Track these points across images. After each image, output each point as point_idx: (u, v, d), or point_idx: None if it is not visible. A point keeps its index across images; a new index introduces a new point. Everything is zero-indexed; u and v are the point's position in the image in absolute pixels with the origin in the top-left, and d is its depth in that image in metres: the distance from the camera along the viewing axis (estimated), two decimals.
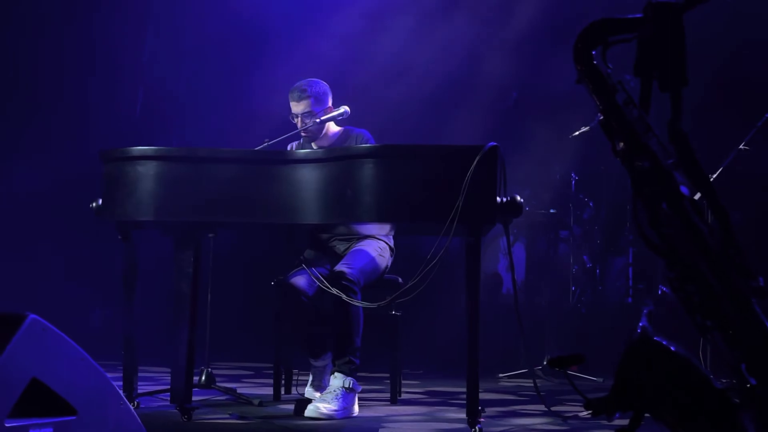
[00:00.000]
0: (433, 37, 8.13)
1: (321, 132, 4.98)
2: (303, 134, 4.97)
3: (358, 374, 4.59)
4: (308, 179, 4.05)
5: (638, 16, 1.73)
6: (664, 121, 1.79)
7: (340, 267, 4.61)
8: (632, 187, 1.67)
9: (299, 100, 4.93)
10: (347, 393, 4.47)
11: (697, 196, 1.76)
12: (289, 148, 5.10)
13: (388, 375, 5.12)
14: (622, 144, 1.68)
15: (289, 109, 4.98)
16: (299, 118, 4.93)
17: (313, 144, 5.04)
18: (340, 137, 5.05)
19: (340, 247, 4.96)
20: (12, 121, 8.09)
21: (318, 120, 4.90)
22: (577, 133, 6.53)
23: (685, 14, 1.69)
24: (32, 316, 2.61)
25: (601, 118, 1.74)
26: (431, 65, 8.16)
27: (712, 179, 5.31)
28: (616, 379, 1.66)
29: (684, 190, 1.68)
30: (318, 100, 4.93)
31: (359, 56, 8.00)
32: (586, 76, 1.74)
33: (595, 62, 1.75)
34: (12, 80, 8.07)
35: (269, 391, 5.09)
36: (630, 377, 1.64)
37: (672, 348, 1.68)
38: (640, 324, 1.64)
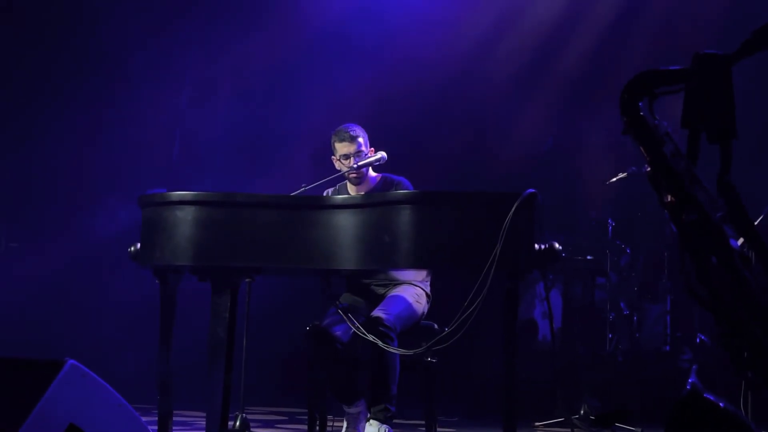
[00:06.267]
0: (470, 81, 8.15)
1: (365, 175, 5.00)
2: (353, 176, 4.96)
3: (393, 421, 4.54)
4: (345, 225, 4.03)
5: (685, 67, 1.71)
6: (711, 170, 1.76)
7: (377, 313, 4.58)
8: (680, 241, 1.64)
9: (351, 140, 4.95)
10: None
11: (740, 241, 1.73)
12: (324, 193, 5.10)
13: (423, 422, 5.07)
14: (669, 197, 1.66)
15: (331, 152, 5.01)
16: (350, 159, 4.94)
17: (350, 189, 5.04)
18: (379, 183, 5.05)
19: (377, 292, 4.93)
20: (49, 166, 8.19)
21: (357, 164, 4.91)
22: (614, 179, 6.49)
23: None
24: (71, 361, 2.61)
25: (648, 169, 1.72)
26: (468, 110, 8.17)
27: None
28: None
29: (734, 243, 1.65)
30: (365, 141, 4.99)
31: (394, 100, 8.04)
32: (632, 127, 1.71)
33: (641, 113, 1.73)
34: (51, 128, 8.18)
35: None
36: None
37: (721, 404, 1.64)
38: (690, 380, 1.60)
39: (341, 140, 4.98)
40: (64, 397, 2.55)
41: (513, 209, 3.81)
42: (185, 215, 4.12)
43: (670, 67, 1.72)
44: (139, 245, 4.34)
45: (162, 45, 8.47)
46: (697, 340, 6.99)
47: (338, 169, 5.00)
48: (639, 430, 6.04)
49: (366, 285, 4.98)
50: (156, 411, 4.45)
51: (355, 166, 4.92)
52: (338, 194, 5.01)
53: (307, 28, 8.29)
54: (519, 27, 8.15)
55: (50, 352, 5.26)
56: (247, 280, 4.74)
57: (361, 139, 4.98)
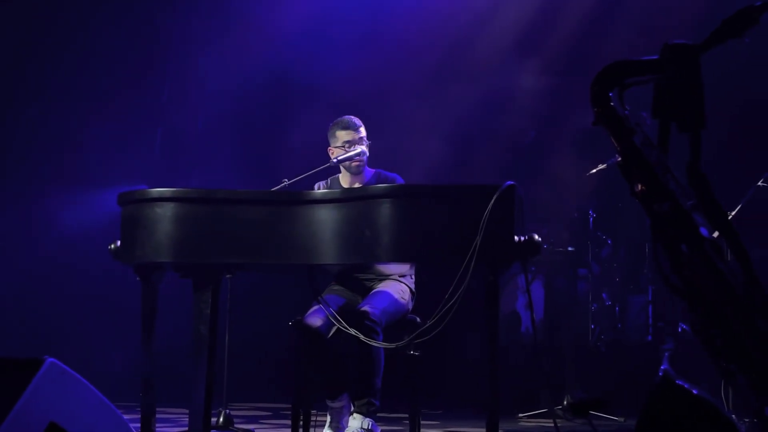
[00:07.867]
0: (455, 74, 8.16)
1: (364, 165, 5.00)
2: (356, 163, 4.95)
3: (377, 415, 4.55)
4: (326, 219, 4.03)
5: (655, 57, 1.72)
6: (682, 160, 1.77)
7: (363, 307, 4.59)
8: (651, 230, 1.65)
9: (355, 129, 5.00)
10: None
11: (715, 234, 1.75)
12: (316, 187, 5.10)
13: (407, 415, 5.07)
14: (640, 186, 1.67)
15: (328, 144, 5.01)
16: (354, 146, 4.95)
17: (342, 183, 5.03)
18: (373, 178, 5.06)
19: (361, 287, 4.94)
20: (31, 163, 8.15)
21: (336, 160, 4.90)
22: (594, 170, 6.52)
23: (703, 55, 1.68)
24: (50, 359, 2.61)
25: (619, 159, 1.73)
26: (451, 102, 8.18)
27: (730, 216, 5.27)
28: (639, 423, 1.64)
29: (704, 231, 1.66)
30: (365, 132, 5.03)
31: (377, 94, 8.03)
32: (603, 118, 1.72)
33: (612, 104, 1.74)
34: (32, 124, 8.15)
35: None
36: (653, 421, 1.62)
37: (694, 391, 1.65)
38: (662, 367, 1.61)
39: (344, 128, 4.98)
40: (43, 395, 2.54)
41: (492, 201, 3.81)
42: (165, 212, 4.11)
43: (641, 58, 1.73)
44: (119, 242, 4.33)
45: (144, 42, 8.44)
46: (679, 330, 7.02)
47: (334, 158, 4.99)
48: (622, 419, 6.07)
49: (351, 280, 4.98)
50: (139, 408, 4.44)
51: (335, 161, 4.91)
52: (330, 188, 5.01)
53: (294, 22, 8.28)
54: (500, 21, 8.15)
55: (33, 350, 5.24)
56: (228, 275, 4.74)
57: (362, 129, 5.01)
